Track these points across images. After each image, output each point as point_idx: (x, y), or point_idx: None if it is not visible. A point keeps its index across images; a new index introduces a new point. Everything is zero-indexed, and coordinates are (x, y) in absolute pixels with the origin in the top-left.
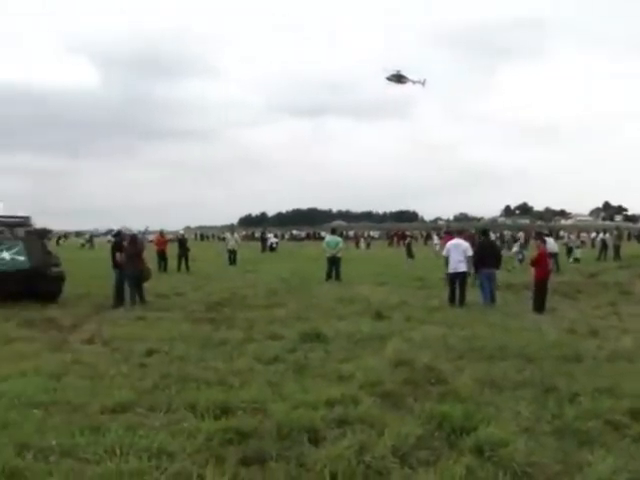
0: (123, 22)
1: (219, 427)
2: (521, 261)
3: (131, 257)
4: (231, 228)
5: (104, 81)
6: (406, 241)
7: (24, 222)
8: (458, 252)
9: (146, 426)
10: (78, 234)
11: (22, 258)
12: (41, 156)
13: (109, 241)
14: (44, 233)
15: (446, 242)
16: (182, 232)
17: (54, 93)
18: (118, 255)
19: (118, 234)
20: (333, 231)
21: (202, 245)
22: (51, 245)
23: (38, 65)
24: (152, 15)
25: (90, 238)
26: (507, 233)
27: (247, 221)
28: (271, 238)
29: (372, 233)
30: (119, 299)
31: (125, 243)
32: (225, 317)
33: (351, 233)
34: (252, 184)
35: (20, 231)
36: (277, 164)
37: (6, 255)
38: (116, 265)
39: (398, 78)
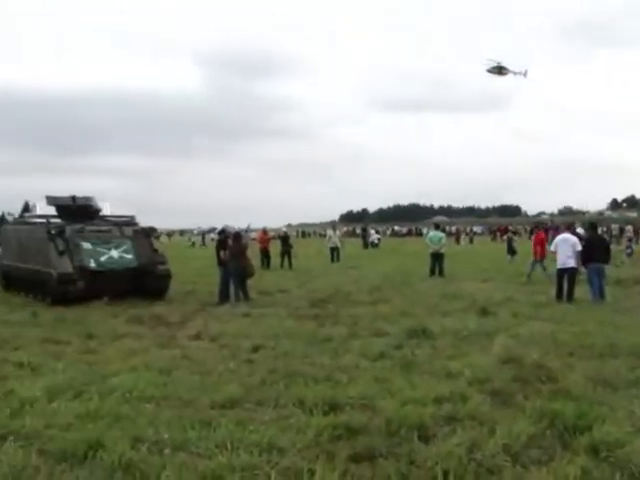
0: (222, 23)
1: (328, 423)
2: (630, 255)
3: (235, 254)
4: (332, 225)
5: (204, 81)
6: (507, 236)
7: (131, 221)
8: (566, 247)
9: (255, 421)
10: (182, 232)
11: (130, 256)
12: (144, 157)
13: (213, 239)
14: (150, 231)
15: (536, 238)
16: (285, 229)
17: (156, 95)
18: (222, 253)
19: (222, 232)
20: (436, 226)
21: (304, 242)
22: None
23: (140, 67)
24: (249, 15)
25: (202, 236)
26: (614, 227)
27: (348, 217)
28: (373, 234)
29: (475, 228)
30: (224, 296)
31: (229, 241)
32: (329, 313)
33: (453, 229)
34: (353, 180)
35: (127, 230)
36: (377, 160)
37: (115, 253)
38: (221, 263)
39: (499, 69)
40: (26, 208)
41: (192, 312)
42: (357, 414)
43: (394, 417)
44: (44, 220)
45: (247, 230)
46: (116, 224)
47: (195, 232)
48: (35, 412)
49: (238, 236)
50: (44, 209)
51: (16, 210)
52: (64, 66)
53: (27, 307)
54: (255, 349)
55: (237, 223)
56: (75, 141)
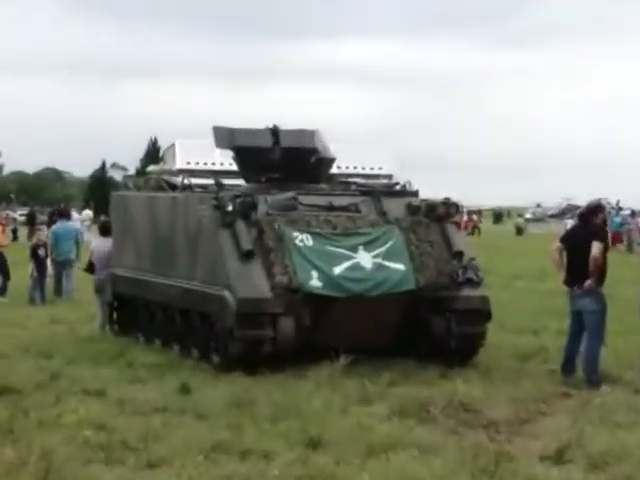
0: None
1: None
2: None
3: None
4: None
5: None
6: None
7: (397, 187)
8: None
9: None
10: (500, 214)
11: (400, 267)
12: (420, 34)
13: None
14: (448, 211)
15: None
16: None
17: None
18: (596, 251)
19: (590, 213)
20: None
21: None
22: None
23: None
24: None
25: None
26: None
27: None
28: None
29: None
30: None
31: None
32: None
33: None
34: None
35: (393, 205)
36: None
37: (366, 259)
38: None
39: None
40: (152, 153)
41: (537, 398)
42: None
43: None
44: (208, 181)
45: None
46: (366, 193)
47: (530, 215)
48: None
49: None
50: (194, 155)
51: (129, 160)
52: None
53: (170, 371)
54: None
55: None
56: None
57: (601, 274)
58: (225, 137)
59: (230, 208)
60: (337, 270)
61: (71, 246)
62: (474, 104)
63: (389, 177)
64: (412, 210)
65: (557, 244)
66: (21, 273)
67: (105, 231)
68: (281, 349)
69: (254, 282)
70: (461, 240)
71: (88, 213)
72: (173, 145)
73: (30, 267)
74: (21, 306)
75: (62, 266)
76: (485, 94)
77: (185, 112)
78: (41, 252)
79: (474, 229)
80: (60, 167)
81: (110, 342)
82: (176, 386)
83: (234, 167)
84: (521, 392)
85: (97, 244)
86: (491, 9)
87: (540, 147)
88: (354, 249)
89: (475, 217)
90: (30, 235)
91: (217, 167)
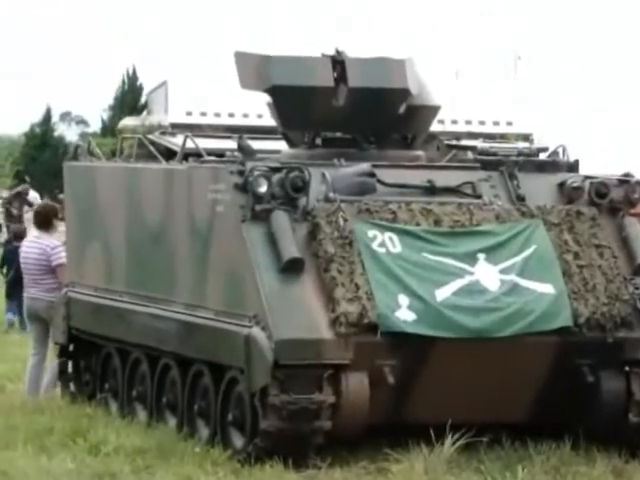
0: None
1: None
2: None
3: None
4: None
5: None
6: None
7: (542, 154)
8: None
9: None
10: None
11: (547, 289)
12: None
13: None
14: (627, 195)
15: None
16: None
17: None
18: None
19: None
20: None
21: None
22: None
23: None
24: None
25: None
26: None
27: None
28: None
29: None
30: None
31: None
32: None
33: None
34: None
35: (537, 186)
36: None
37: (490, 276)
38: None
39: None
40: (129, 96)
41: None
42: None
43: None
44: (225, 144)
45: None
46: (492, 164)
47: None
48: None
49: None
50: (200, 100)
51: (89, 108)
52: None
53: (162, 462)
54: None
55: None
56: None
57: None
58: (255, 70)
59: (264, 189)
60: (442, 294)
61: None
62: None
63: (527, 138)
64: (569, 194)
65: None
66: None
67: (43, 222)
68: (347, 425)
69: (303, 313)
70: None
71: (33, 196)
72: (164, 84)
73: None
74: None
75: None
76: None
77: (186, 26)
78: None
79: None
80: None
81: (62, 413)
82: None
83: (270, 121)
84: None
85: (27, 243)
86: None
87: None
88: (471, 259)
89: None
90: None
91: (240, 121)
